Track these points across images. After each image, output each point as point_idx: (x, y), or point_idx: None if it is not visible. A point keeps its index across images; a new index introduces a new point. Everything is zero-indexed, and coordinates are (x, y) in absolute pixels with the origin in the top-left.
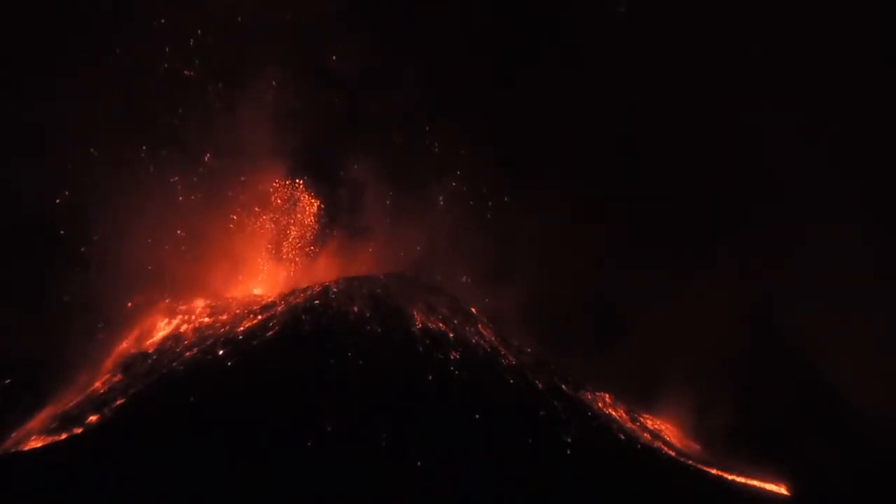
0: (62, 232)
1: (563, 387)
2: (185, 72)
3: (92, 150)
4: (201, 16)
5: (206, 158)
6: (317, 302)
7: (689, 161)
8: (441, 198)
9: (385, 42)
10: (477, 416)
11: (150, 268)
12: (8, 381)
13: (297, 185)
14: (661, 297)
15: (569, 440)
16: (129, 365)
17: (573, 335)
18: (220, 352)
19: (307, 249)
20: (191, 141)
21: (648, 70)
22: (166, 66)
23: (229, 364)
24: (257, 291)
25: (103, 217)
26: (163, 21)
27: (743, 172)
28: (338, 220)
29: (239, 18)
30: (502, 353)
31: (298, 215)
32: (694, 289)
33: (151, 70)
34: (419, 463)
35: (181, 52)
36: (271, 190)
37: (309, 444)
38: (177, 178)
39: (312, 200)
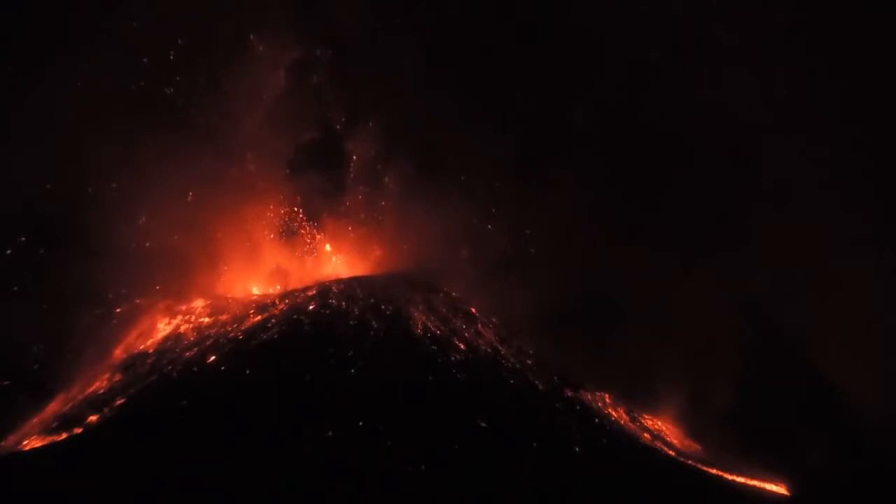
0: (62, 232)
1: (563, 387)
2: (170, 80)
3: (91, 150)
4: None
5: (208, 155)
6: (317, 302)
7: (688, 159)
8: (443, 197)
9: (388, 36)
10: (477, 417)
11: (150, 268)
12: (8, 381)
13: (297, 182)
14: (660, 297)
15: (569, 441)
16: (129, 365)
17: (573, 335)
18: (220, 352)
19: (307, 249)
20: (192, 138)
21: (649, 69)
22: (168, 60)
23: (229, 365)
24: (256, 291)
25: (104, 216)
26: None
27: (743, 169)
28: (339, 218)
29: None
30: (502, 353)
31: (298, 214)
32: (694, 288)
33: (152, 66)
34: (423, 466)
35: (182, 47)
36: (273, 186)
37: (309, 447)
38: (178, 176)
39: (314, 198)
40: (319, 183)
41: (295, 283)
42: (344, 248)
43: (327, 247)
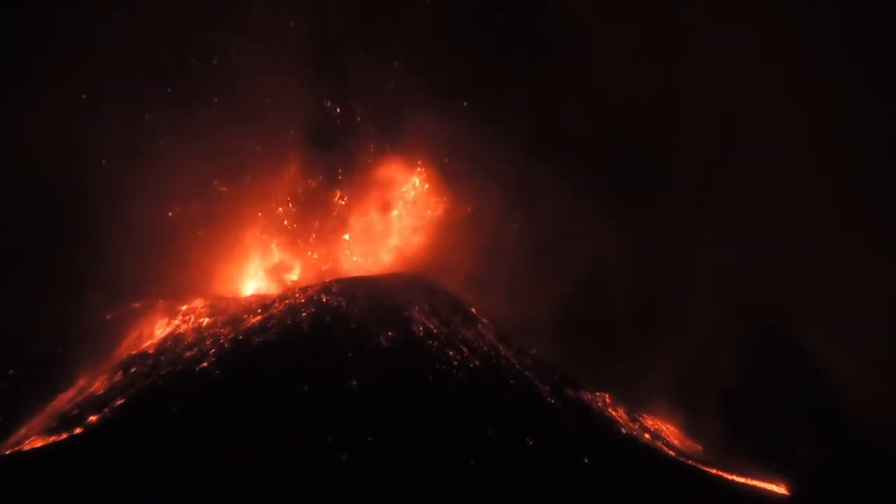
0: (62, 232)
1: (564, 387)
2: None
3: (90, 152)
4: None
5: (212, 148)
6: (316, 303)
7: (686, 160)
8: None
9: (389, 34)
10: (478, 419)
11: (151, 267)
12: (8, 380)
13: (295, 183)
14: (659, 297)
15: (569, 441)
16: (129, 365)
17: (573, 336)
18: (220, 353)
19: (308, 249)
20: (194, 133)
21: (649, 66)
22: (168, 58)
23: (229, 366)
24: (258, 288)
25: (103, 216)
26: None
27: (743, 169)
28: (338, 217)
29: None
30: (503, 353)
31: (296, 215)
32: (694, 288)
33: (152, 66)
34: (424, 470)
35: (184, 46)
36: (270, 189)
37: (308, 448)
38: (178, 174)
39: (313, 199)
40: (326, 173)
41: (305, 275)
42: (352, 240)
43: (346, 237)
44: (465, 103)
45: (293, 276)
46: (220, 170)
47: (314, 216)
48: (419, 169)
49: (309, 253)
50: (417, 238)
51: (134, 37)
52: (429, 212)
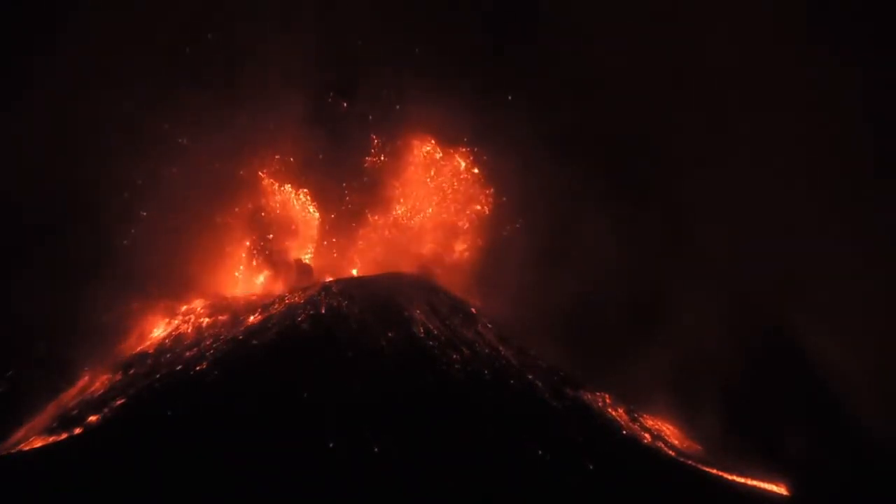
0: (63, 233)
1: (564, 387)
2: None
3: (92, 154)
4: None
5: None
6: (316, 303)
7: (688, 158)
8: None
9: (393, 31)
10: (478, 417)
11: (150, 268)
12: (8, 381)
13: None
14: (659, 297)
15: (569, 441)
16: (129, 365)
17: (573, 336)
18: (220, 353)
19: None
20: (196, 135)
21: (650, 67)
22: (164, 62)
23: (229, 366)
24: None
25: (103, 218)
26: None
27: (745, 168)
28: (338, 216)
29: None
30: (503, 353)
31: (296, 217)
32: (693, 289)
33: (149, 71)
34: (423, 471)
35: (180, 48)
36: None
37: (308, 447)
38: (178, 174)
39: (313, 199)
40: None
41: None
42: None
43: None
44: (510, 97)
45: (306, 255)
46: (227, 161)
47: (333, 204)
48: (463, 149)
49: (324, 243)
50: (461, 248)
51: (141, 30)
52: (477, 206)
